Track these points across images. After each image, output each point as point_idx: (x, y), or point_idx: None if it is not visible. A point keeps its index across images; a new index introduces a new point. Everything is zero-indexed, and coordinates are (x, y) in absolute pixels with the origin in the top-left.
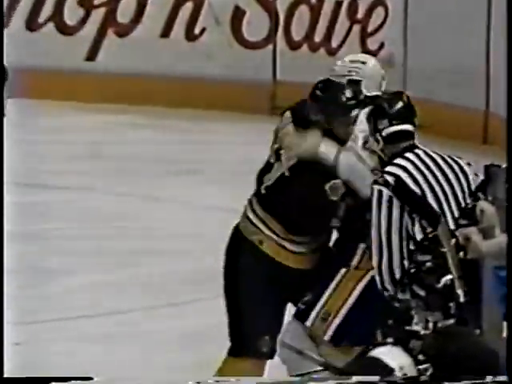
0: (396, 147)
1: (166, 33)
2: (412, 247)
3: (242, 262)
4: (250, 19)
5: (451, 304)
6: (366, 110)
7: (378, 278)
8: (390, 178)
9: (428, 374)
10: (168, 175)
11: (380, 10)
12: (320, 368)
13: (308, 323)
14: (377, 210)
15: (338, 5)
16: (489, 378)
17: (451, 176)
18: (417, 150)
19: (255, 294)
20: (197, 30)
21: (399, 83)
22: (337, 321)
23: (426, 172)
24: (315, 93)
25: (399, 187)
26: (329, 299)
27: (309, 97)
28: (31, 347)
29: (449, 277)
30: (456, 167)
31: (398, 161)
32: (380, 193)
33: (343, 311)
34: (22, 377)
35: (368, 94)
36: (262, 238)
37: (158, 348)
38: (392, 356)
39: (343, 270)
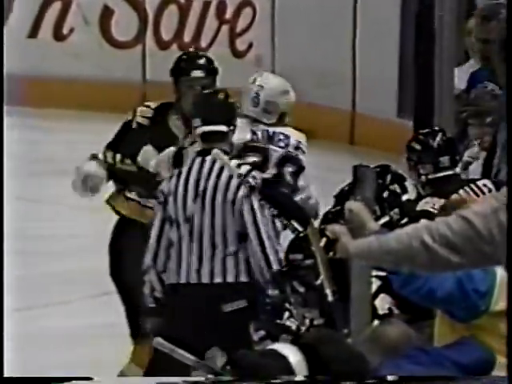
0: (208, 145)
1: (33, 33)
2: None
3: (122, 239)
4: (118, 19)
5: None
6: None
7: None
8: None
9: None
10: (40, 175)
11: (248, 11)
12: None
13: None
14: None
15: (207, 5)
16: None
17: (213, 183)
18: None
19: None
20: (65, 30)
21: None
22: None
23: (192, 179)
24: None
25: (267, 189)
26: None
27: None
28: None
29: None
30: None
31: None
32: None
33: None
34: (21, 377)
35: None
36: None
37: (36, 348)
38: (287, 350)
39: None
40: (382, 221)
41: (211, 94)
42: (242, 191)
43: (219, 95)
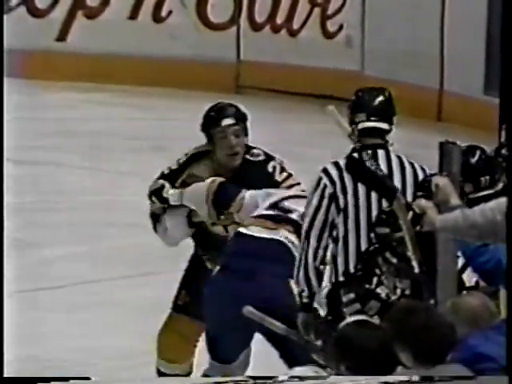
0: (366, 141)
1: (133, 15)
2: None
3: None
4: (214, 2)
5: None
6: None
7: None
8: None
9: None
10: (135, 151)
11: None
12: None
13: None
14: (310, 195)
15: None
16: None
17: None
18: (379, 150)
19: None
20: (163, 13)
21: (357, 64)
22: None
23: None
24: None
25: (353, 165)
26: None
27: None
28: (6, 317)
29: None
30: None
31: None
32: (319, 179)
33: None
34: (22, 377)
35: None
36: None
37: (131, 316)
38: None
39: None
40: (484, 193)
41: (376, 91)
42: None
43: (385, 92)
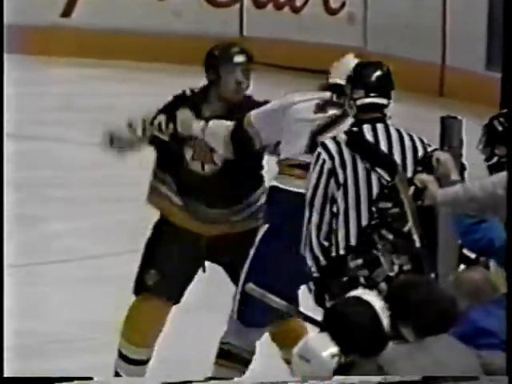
0: (365, 116)
1: None
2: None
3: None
4: None
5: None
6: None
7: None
8: (342, 136)
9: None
10: None
11: None
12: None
13: None
14: (310, 171)
15: None
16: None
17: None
18: (378, 124)
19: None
20: None
21: (360, 40)
22: None
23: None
24: None
25: (354, 139)
26: None
27: None
28: (7, 291)
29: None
30: (408, 144)
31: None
32: (318, 155)
33: None
34: (22, 377)
35: None
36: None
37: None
38: (370, 296)
39: None
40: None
41: (374, 66)
42: None
43: (383, 67)
